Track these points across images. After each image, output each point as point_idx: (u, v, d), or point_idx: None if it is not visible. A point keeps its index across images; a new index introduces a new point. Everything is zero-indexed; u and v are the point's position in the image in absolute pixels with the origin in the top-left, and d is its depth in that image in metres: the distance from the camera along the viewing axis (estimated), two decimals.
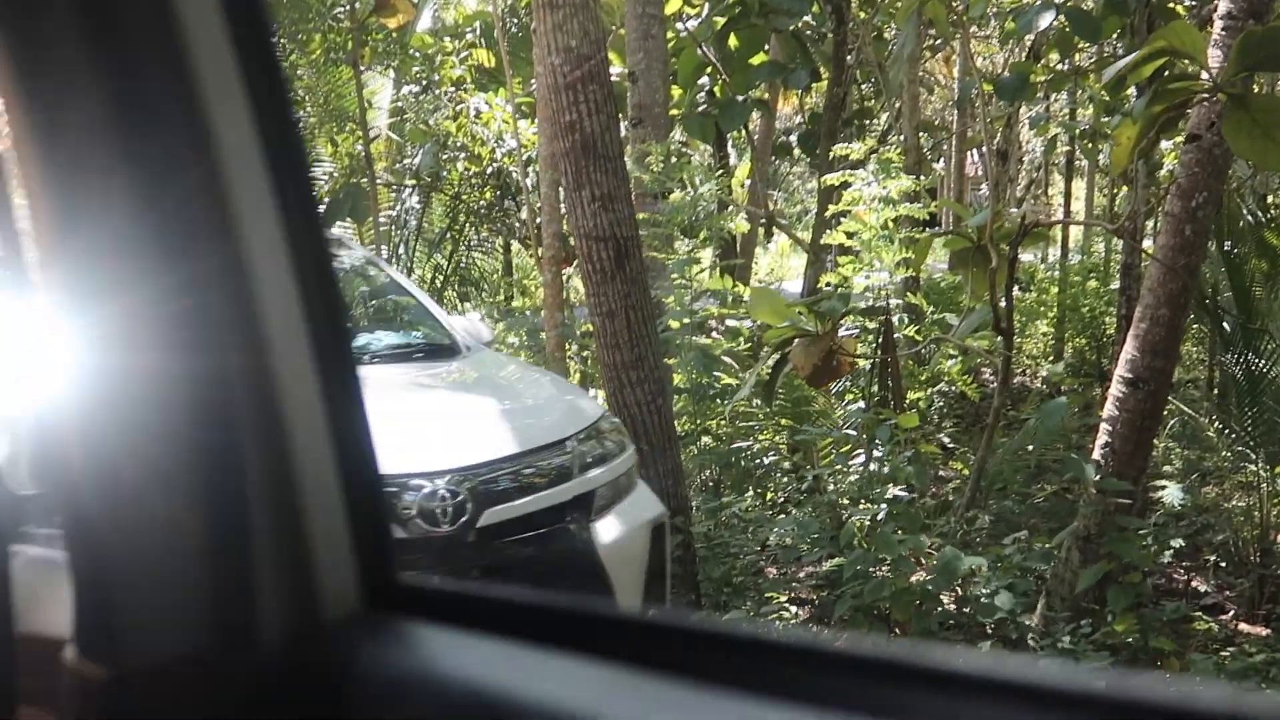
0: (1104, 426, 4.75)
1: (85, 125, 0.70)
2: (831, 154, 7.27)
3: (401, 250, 10.80)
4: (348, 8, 9.42)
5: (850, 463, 5.55)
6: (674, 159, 7.65)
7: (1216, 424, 6.86)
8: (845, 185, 6.32)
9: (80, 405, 0.73)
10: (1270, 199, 8.64)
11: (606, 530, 3.85)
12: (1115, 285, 8.55)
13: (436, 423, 4.01)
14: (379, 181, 9.99)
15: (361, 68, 9.54)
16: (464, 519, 3.52)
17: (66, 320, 0.73)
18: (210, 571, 0.72)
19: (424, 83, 10.54)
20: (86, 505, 0.74)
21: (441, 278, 11.09)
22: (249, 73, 0.72)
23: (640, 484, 4.29)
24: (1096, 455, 4.71)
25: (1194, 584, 5.85)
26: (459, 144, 10.17)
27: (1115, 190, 12.52)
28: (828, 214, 8.07)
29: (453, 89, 10.24)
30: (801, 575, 5.79)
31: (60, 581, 0.79)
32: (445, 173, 10.40)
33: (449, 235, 11.08)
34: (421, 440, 3.72)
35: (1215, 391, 8.19)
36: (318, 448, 0.73)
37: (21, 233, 0.78)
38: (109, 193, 0.70)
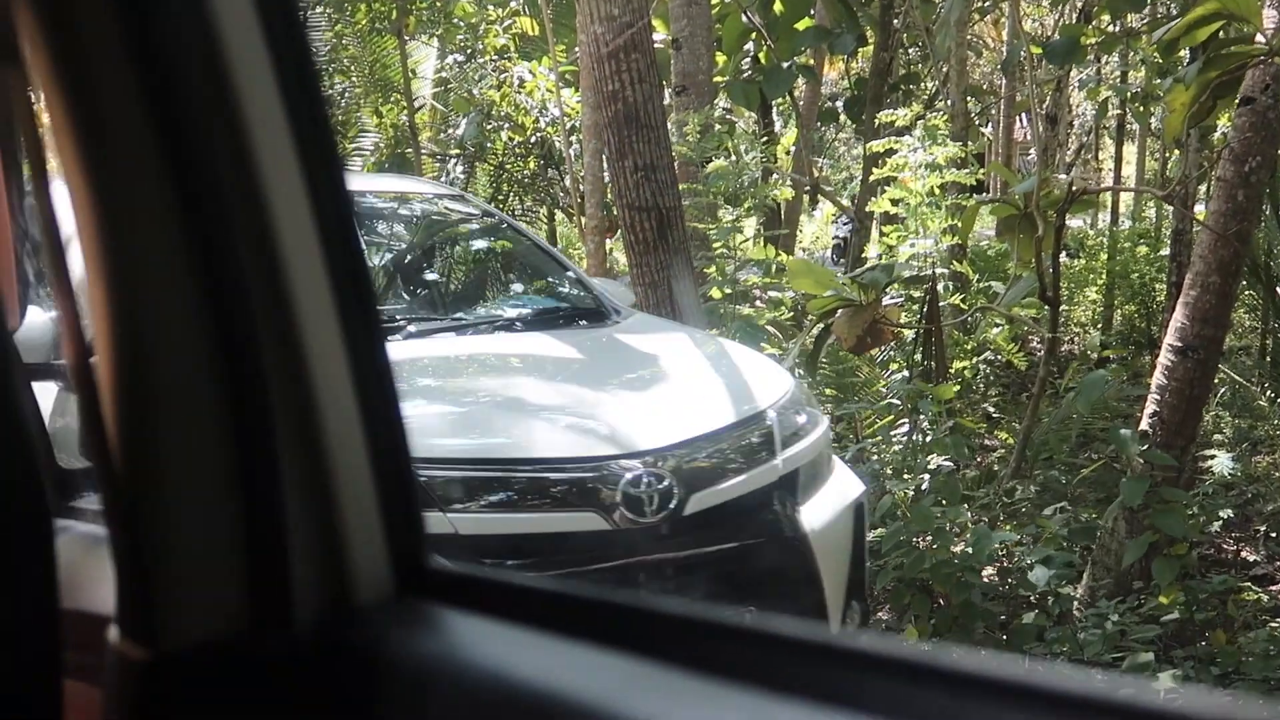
0: (1152, 395, 4.69)
1: (122, 123, 0.71)
2: (877, 120, 7.20)
3: None
4: None
5: (894, 433, 5.52)
6: (717, 126, 7.60)
7: (1269, 392, 6.77)
8: (891, 152, 6.27)
9: (118, 386, 0.75)
10: None
11: (814, 514, 3.40)
12: (1166, 252, 8.43)
13: (620, 396, 3.61)
14: (424, 152, 10.02)
15: (406, 37, 9.56)
16: (671, 506, 3.09)
17: (104, 297, 0.75)
18: (246, 554, 0.73)
19: (468, 52, 10.54)
20: (125, 485, 0.75)
21: None
22: (281, 66, 0.72)
23: (836, 459, 3.90)
24: (1145, 424, 4.66)
25: (1243, 554, 5.79)
26: (503, 113, 10.18)
27: (1167, 154, 12.32)
28: (872, 180, 8.01)
29: (496, 58, 10.24)
30: None
31: (106, 558, 0.81)
32: (489, 142, 10.41)
33: (493, 205, 11.11)
34: (611, 417, 3.36)
35: (1268, 360, 8.07)
36: (349, 430, 0.74)
37: (64, 223, 0.79)
38: (144, 175, 0.71)
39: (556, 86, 9.29)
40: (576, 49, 8.08)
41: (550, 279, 4.75)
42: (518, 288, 4.87)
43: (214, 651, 0.73)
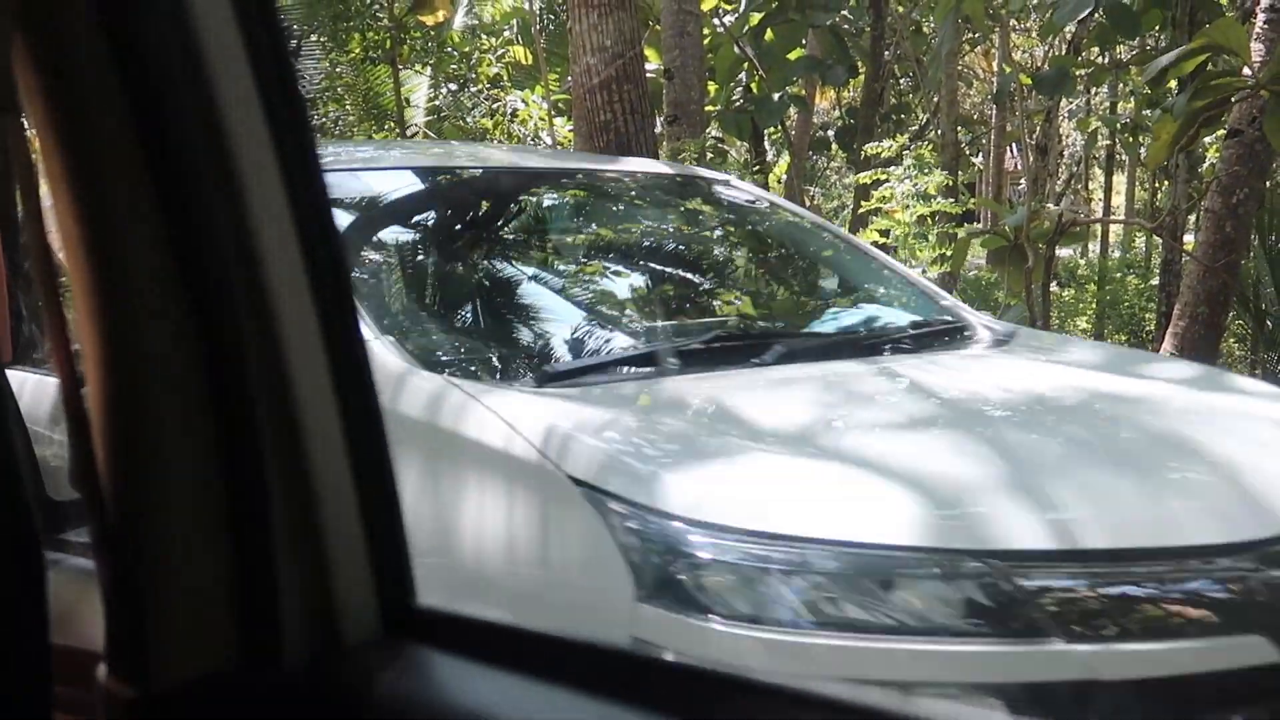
0: None
1: (106, 133, 0.72)
2: (865, 151, 7.24)
3: None
4: (386, 6, 9.47)
5: None
6: (709, 156, 7.63)
7: None
8: (880, 182, 6.30)
9: (109, 422, 0.75)
10: None
11: None
12: (1155, 282, 8.47)
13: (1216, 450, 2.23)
14: None
15: (400, 66, 9.60)
16: None
17: (93, 333, 0.75)
18: (235, 592, 0.73)
19: (461, 81, 10.59)
20: (115, 523, 0.76)
21: None
22: (263, 79, 0.73)
23: None
24: None
25: None
26: (495, 141, 10.22)
27: (1157, 185, 12.40)
28: (862, 211, 8.04)
29: (489, 87, 10.28)
30: None
31: (96, 592, 0.81)
32: None
33: None
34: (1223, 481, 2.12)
35: None
36: (338, 470, 0.75)
37: (50, 243, 0.80)
38: (133, 205, 0.72)
39: (549, 115, 9.33)
40: (569, 78, 8.13)
41: (877, 287, 3.57)
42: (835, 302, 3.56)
43: (203, 690, 0.73)
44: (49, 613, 0.87)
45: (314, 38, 10.54)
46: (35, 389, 2.72)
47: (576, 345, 2.89)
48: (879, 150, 6.44)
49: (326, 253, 0.76)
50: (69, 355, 0.81)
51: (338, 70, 10.65)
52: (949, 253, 5.93)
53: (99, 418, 0.75)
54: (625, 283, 3.36)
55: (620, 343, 2.92)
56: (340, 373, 0.75)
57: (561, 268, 3.39)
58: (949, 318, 3.23)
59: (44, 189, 0.79)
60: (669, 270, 3.50)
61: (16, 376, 2.69)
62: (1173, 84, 5.91)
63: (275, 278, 0.73)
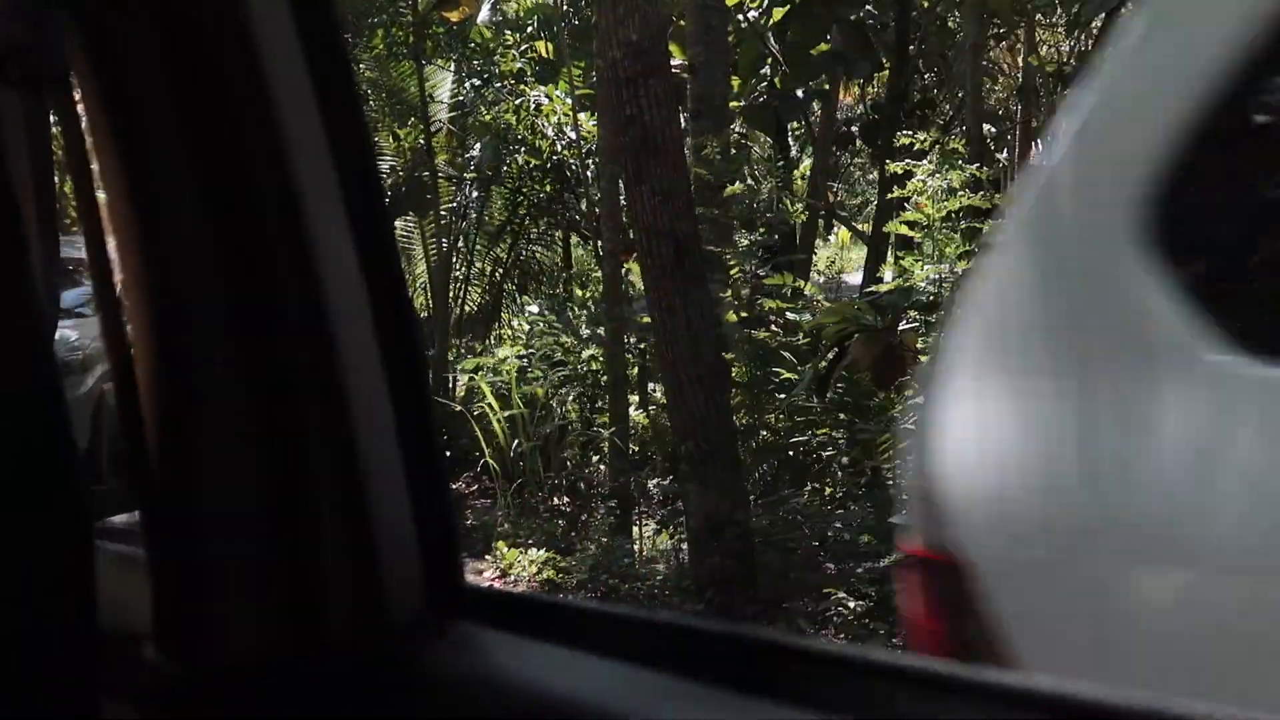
0: None
1: (163, 133, 0.72)
2: (893, 144, 7.22)
3: (462, 243, 10.87)
4: (410, 1, 9.49)
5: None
6: (733, 151, 7.62)
7: None
8: (908, 175, 6.28)
9: (158, 406, 0.76)
10: None
11: None
12: None
13: None
14: (440, 174, 10.06)
15: (423, 61, 9.61)
16: None
17: (145, 320, 0.76)
18: (282, 571, 0.73)
19: (485, 76, 10.60)
20: (161, 503, 0.76)
21: (501, 270, 11.15)
22: (320, 78, 0.73)
23: None
24: None
25: None
26: (519, 137, 10.22)
27: None
28: (889, 199, 8.02)
29: (513, 82, 10.29)
30: (860, 570, 5.78)
31: (142, 577, 0.81)
32: (506, 165, 10.45)
33: (509, 228, 11.14)
34: None
35: None
36: (385, 447, 0.75)
37: (104, 232, 0.80)
38: (185, 195, 0.72)
39: (573, 110, 9.33)
40: (593, 73, 8.13)
41: None
42: None
43: (251, 670, 0.73)
44: (96, 597, 0.88)
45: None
46: None
47: None
48: (910, 140, 6.41)
49: (378, 235, 0.76)
50: (121, 342, 0.82)
51: (361, 66, 10.68)
52: (975, 248, 5.90)
53: (148, 401, 0.76)
54: None
55: None
56: (388, 352, 0.75)
57: None
58: None
59: (94, 170, 0.79)
60: None
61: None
62: None
63: (325, 260, 0.73)
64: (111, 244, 0.78)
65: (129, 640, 0.83)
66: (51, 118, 0.83)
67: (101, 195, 0.78)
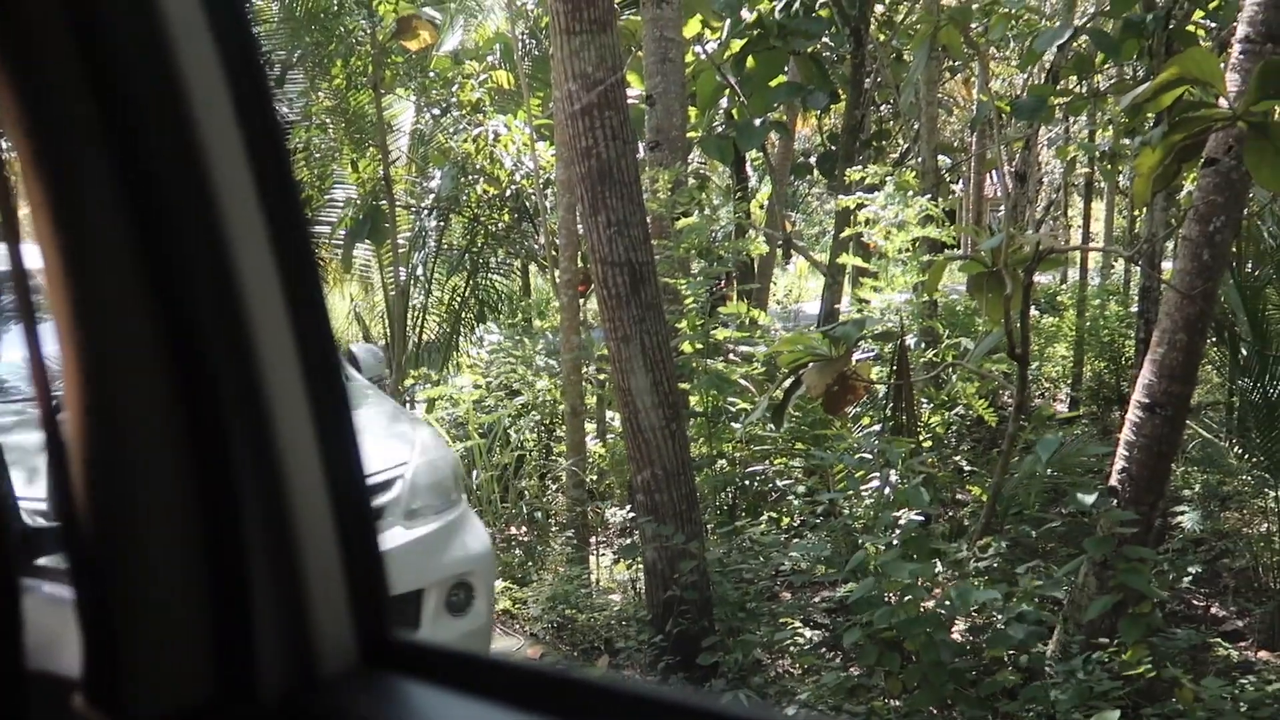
0: (1121, 452, 4.73)
1: (84, 148, 0.72)
2: (847, 178, 7.28)
3: (420, 271, 10.84)
4: (368, 31, 9.49)
5: (865, 487, 5.54)
6: (691, 180, 7.65)
7: (1236, 448, 6.82)
8: (861, 207, 6.34)
9: (87, 452, 0.75)
10: None
11: None
12: (1135, 308, 8.52)
13: None
14: (399, 204, 10.04)
15: (382, 91, 9.61)
16: None
17: (76, 370, 0.75)
18: (212, 624, 0.73)
19: (444, 106, 10.60)
20: (92, 553, 0.76)
21: (459, 299, 11.13)
22: (236, 86, 0.73)
23: None
24: (1114, 480, 4.69)
25: (1213, 610, 5.82)
26: (478, 166, 10.23)
27: (1136, 212, 12.49)
28: (843, 237, 8.08)
29: (471, 112, 10.30)
30: (816, 600, 5.79)
31: (72, 620, 0.81)
32: (465, 195, 10.45)
33: (467, 257, 11.12)
34: None
35: (1235, 416, 8.15)
36: (315, 502, 0.75)
37: (27, 252, 0.80)
38: (106, 215, 0.72)
39: (531, 140, 9.35)
40: (551, 103, 8.15)
41: None
42: None
43: None
44: (23, 640, 0.87)
45: (296, 63, 10.55)
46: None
47: None
48: (862, 175, 6.47)
49: (304, 280, 0.76)
50: (46, 383, 0.81)
51: (320, 95, 10.66)
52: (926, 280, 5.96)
53: (76, 447, 0.75)
54: None
55: None
56: (318, 405, 0.75)
57: None
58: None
59: (21, 213, 0.79)
60: None
61: None
62: (1150, 115, 5.96)
63: (253, 307, 0.73)
64: (36, 281, 0.77)
65: (61, 683, 0.82)
66: None
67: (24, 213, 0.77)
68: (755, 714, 0.60)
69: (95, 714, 0.75)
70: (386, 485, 4.27)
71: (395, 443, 4.56)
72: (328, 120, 10.52)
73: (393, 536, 4.18)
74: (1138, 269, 9.05)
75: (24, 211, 0.79)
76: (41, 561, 1.28)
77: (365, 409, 5.00)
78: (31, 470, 2.42)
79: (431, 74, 10.55)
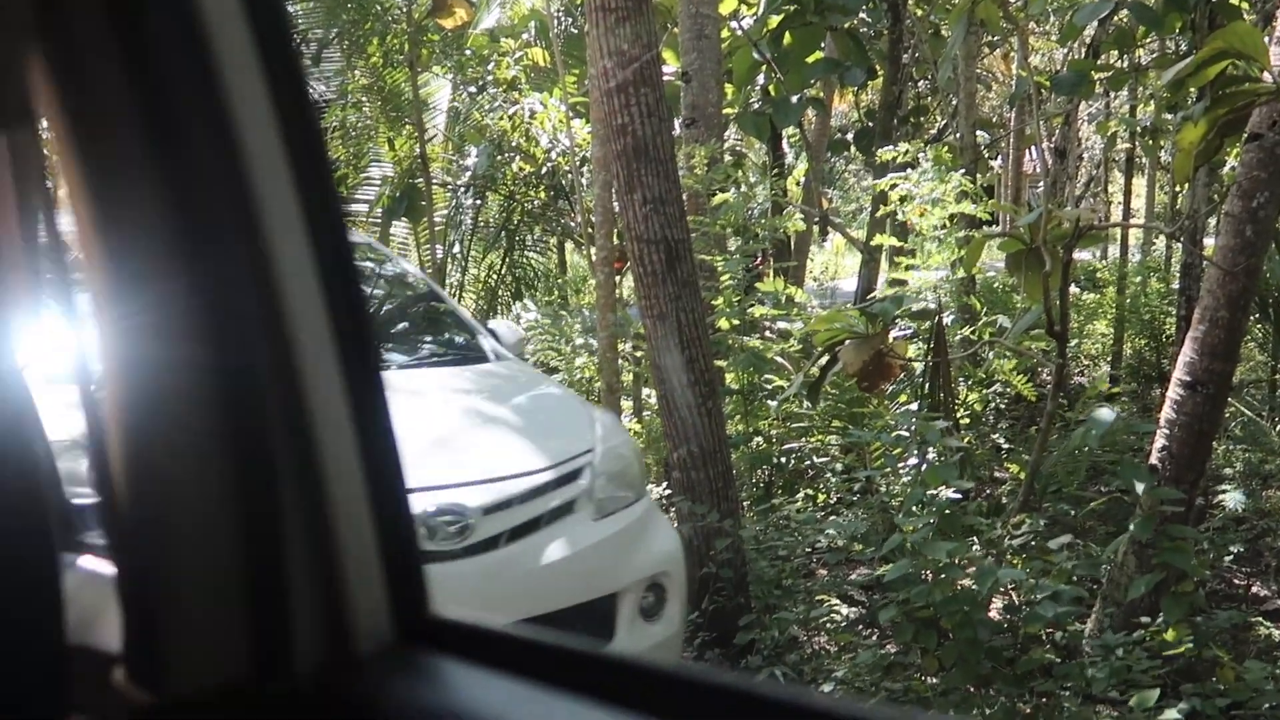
0: (1162, 430, 4.68)
1: (121, 134, 0.73)
2: (882, 155, 7.23)
3: (457, 249, 10.87)
4: (404, 9, 9.49)
5: (902, 465, 5.52)
6: (727, 157, 7.62)
7: (1279, 427, 6.75)
8: (894, 186, 6.29)
9: (124, 434, 0.76)
10: None
11: None
12: (1176, 285, 8.43)
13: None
14: (435, 182, 10.06)
15: (419, 69, 9.62)
16: None
17: (114, 352, 0.76)
18: (249, 602, 0.74)
19: (480, 83, 10.60)
20: (132, 532, 0.77)
21: (495, 277, 11.15)
22: (273, 78, 0.74)
23: None
24: (1154, 459, 4.65)
25: (1254, 589, 5.76)
26: (514, 144, 10.23)
27: (1178, 187, 12.34)
28: (880, 215, 8.03)
29: (507, 89, 10.30)
30: (853, 576, 5.78)
31: (114, 597, 0.82)
32: (500, 173, 10.46)
33: (504, 234, 11.14)
34: None
35: (1277, 394, 8.05)
36: (351, 480, 0.75)
37: (67, 240, 0.81)
38: (143, 200, 0.73)
39: (567, 118, 9.34)
40: (587, 81, 8.13)
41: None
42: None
43: (217, 699, 0.74)
44: (64, 615, 0.88)
45: (333, 42, 10.58)
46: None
47: None
48: (895, 155, 6.42)
49: (341, 263, 0.76)
50: (86, 363, 0.82)
51: (356, 74, 10.69)
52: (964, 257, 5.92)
53: (115, 426, 0.76)
54: None
55: None
56: (352, 380, 0.76)
57: None
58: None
59: (61, 198, 0.80)
60: None
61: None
62: (1192, 90, 5.88)
63: (289, 287, 0.74)
64: (75, 263, 0.78)
65: (102, 658, 0.83)
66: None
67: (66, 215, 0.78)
68: (791, 693, 0.60)
69: (134, 690, 0.76)
70: (573, 476, 3.91)
71: (574, 427, 4.21)
72: (364, 99, 10.54)
73: (583, 534, 3.82)
74: (1179, 245, 8.95)
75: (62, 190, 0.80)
76: (85, 537, 1.30)
77: (530, 390, 4.76)
78: None
79: (467, 52, 10.55)
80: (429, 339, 5.26)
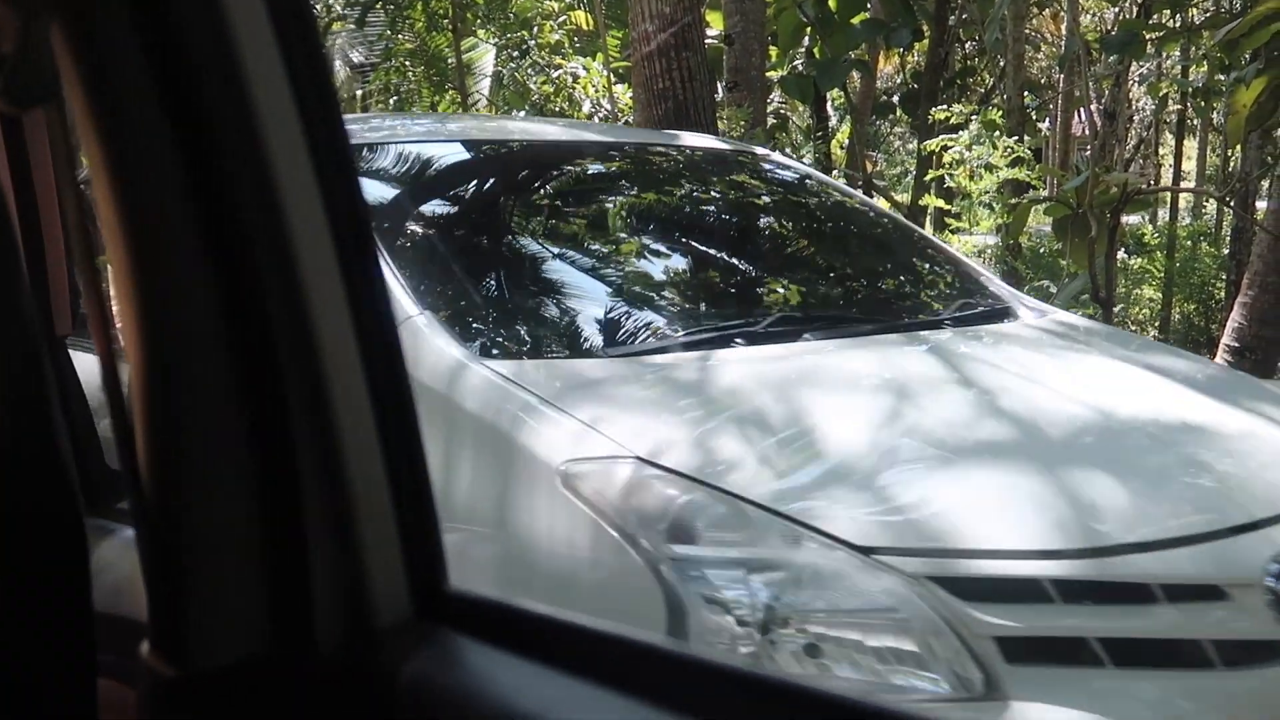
0: None
1: (144, 126, 0.73)
2: (931, 117, 7.15)
3: None
4: None
5: None
6: (771, 120, 7.55)
7: None
8: (944, 149, 6.22)
9: (146, 408, 0.77)
10: None
11: None
12: (1226, 250, 8.30)
13: None
14: None
15: (462, 33, 9.61)
16: None
17: (136, 327, 0.77)
18: (269, 575, 0.74)
19: (523, 47, 10.58)
20: (153, 504, 0.77)
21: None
22: (294, 68, 0.74)
23: None
24: None
25: None
26: (557, 108, 10.21)
27: (1230, 150, 12.11)
28: (927, 178, 7.94)
29: (550, 53, 10.27)
30: None
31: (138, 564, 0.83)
32: None
33: None
34: None
35: None
36: (369, 453, 0.75)
37: (94, 225, 0.81)
38: (163, 185, 0.73)
39: (609, 82, 9.30)
40: (629, 45, 8.09)
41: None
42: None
43: (240, 672, 0.74)
44: (91, 583, 0.89)
45: (376, 5, 10.58)
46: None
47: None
48: (947, 115, 6.35)
49: (356, 236, 0.77)
50: (108, 336, 0.83)
51: (400, 38, 10.69)
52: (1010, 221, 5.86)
53: (137, 397, 0.77)
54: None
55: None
56: (371, 355, 0.76)
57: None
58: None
59: (84, 174, 0.81)
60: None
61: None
62: (1246, 50, 5.76)
63: (306, 260, 0.74)
64: (98, 236, 0.79)
65: (128, 627, 0.84)
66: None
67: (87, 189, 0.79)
68: (816, 685, 0.60)
69: (158, 661, 0.77)
70: None
71: None
72: (407, 63, 10.55)
73: None
74: (1230, 210, 8.79)
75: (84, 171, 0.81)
76: (121, 504, 1.32)
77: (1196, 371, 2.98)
78: None
79: (511, 16, 10.53)
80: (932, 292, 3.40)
